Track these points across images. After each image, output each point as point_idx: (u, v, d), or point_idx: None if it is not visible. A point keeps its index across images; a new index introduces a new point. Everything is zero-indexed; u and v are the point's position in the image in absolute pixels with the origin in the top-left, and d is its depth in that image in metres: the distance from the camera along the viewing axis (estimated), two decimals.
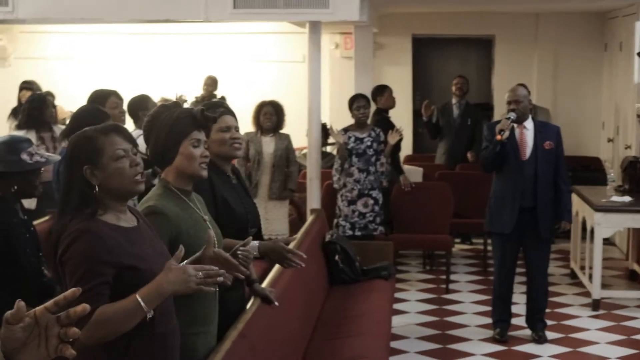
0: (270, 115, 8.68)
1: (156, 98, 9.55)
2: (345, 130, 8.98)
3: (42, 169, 4.81)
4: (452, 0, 11.77)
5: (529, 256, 7.65)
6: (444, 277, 9.55)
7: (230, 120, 4.55)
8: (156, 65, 14.06)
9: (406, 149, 12.98)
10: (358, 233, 8.82)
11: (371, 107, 9.43)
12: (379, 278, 7.64)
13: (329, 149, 11.65)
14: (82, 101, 7.33)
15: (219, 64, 13.87)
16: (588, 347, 7.51)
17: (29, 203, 7.79)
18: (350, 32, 12.23)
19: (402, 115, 12.51)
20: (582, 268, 9.33)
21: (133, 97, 7.67)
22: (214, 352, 3.89)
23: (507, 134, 7.26)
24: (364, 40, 11.77)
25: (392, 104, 10.46)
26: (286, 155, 8.73)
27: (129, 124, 7.32)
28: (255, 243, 4.37)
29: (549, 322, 7.88)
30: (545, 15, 13.31)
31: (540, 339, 7.58)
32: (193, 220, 3.79)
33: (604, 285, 8.81)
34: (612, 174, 9.39)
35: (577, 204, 9.44)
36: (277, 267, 5.84)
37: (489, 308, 7.99)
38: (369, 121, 9.29)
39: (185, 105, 8.47)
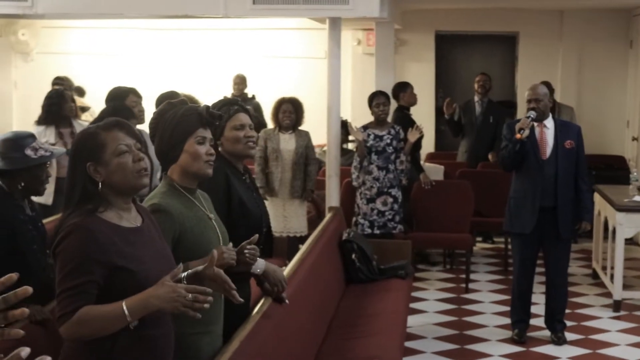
0: (289, 113, 8.61)
1: None
2: (365, 127, 8.92)
3: (48, 163, 4.78)
4: None
5: (549, 256, 7.56)
6: (464, 276, 9.45)
7: (244, 118, 4.50)
8: (177, 61, 14.05)
9: (428, 146, 12.92)
10: (377, 231, 8.75)
11: (391, 104, 9.34)
12: (396, 277, 7.57)
13: (350, 146, 11.59)
14: (103, 96, 7.33)
15: (242, 61, 13.83)
16: (608, 349, 7.39)
17: (45, 199, 7.82)
18: (372, 28, 12.15)
19: (424, 113, 12.45)
20: (604, 268, 9.22)
21: (162, 92, 7.63)
22: (221, 352, 3.84)
23: (527, 132, 7.16)
24: (385, 37, 11.68)
25: (413, 101, 10.36)
26: (306, 153, 8.67)
27: None
28: (262, 262, 4.31)
29: (569, 323, 7.78)
30: (569, 12, 13.19)
31: (559, 340, 7.48)
32: (197, 218, 3.74)
33: (626, 286, 8.68)
34: (635, 174, 9.27)
35: (599, 204, 9.33)
36: (290, 265, 5.82)
37: (508, 308, 7.89)
38: (389, 118, 9.22)
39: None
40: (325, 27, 8.82)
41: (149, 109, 6.97)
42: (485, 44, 13.97)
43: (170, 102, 3.84)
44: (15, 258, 4.49)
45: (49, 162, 4.80)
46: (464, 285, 9.31)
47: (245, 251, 3.81)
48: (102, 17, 10.15)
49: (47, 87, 9.85)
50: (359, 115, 11.51)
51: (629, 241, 8.72)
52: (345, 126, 9.88)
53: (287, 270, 5.55)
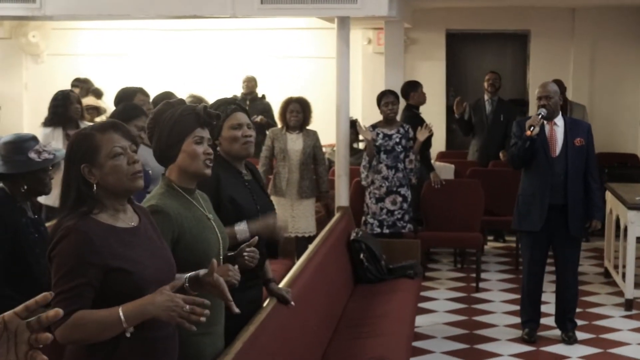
0: (296, 113, 8.58)
1: (184, 94, 9.51)
2: (374, 126, 8.88)
3: (51, 167, 4.75)
4: None
5: (559, 255, 7.50)
6: (474, 275, 9.40)
7: (242, 117, 4.47)
8: (186, 61, 14.04)
9: (439, 145, 12.88)
10: (386, 231, 8.71)
11: (400, 103, 9.30)
12: (405, 277, 7.54)
13: (360, 145, 11.55)
14: (113, 97, 7.35)
15: (251, 61, 13.82)
16: (619, 348, 7.33)
17: (53, 201, 7.81)
18: (382, 27, 12.11)
19: (435, 112, 12.40)
20: (616, 267, 9.15)
21: (158, 93, 7.63)
22: (223, 353, 3.82)
23: (537, 130, 7.12)
24: (395, 36, 11.64)
25: (423, 101, 10.31)
26: (314, 153, 8.63)
27: None
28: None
29: (580, 322, 7.72)
30: (581, 9, 13.12)
31: (569, 340, 7.43)
32: (196, 219, 3.71)
33: (638, 285, 8.60)
34: None
35: (610, 202, 9.27)
36: (297, 265, 5.79)
37: (519, 307, 7.82)
38: (398, 117, 9.19)
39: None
40: (334, 26, 8.79)
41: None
42: (496, 43, 13.91)
43: (167, 102, 3.81)
44: (17, 261, 4.47)
45: (51, 166, 4.77)
46: (474, 284, 9.26)
47: (245, 254, 3.78)
48: (111, 18, 10.15)
49: (58, 89, 9.86)
50: (369, 114, 11.47)
51: None
52: (354, 125, 9.85)
53: (291, 272, 5.53)
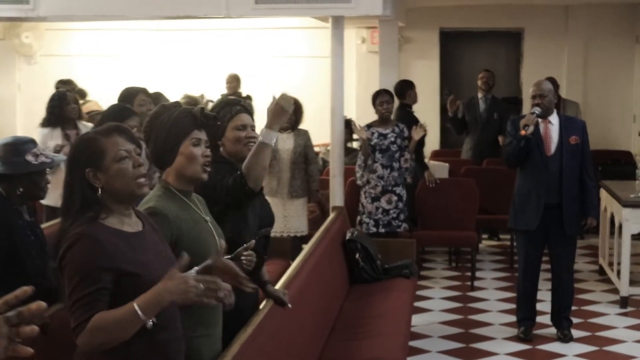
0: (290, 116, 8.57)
1: (180, 95, 9.51)
2: (369, 126, 8.89)
3: (48, 170, 4.76)
4: None
5: (554, 253, 7.51)
6: (469, 274, 9.41)
7: (246, 118, 4.48)
8: (180, 61, 14.03)
9: (433, 144, 12.89)
10: (382, 230, 8.72)
11: (394, 102, 9.30)
12: (401, 276, 7.53)
13: (354, 144, 11.55)
14: (107, 97, 7.34)
15: (246, 60, 13.82)
16: (615, 346, 7.35)
17: (55, 201, 7.83)
18: (376, 26, 12.10)
19: (429, 110, 12.42)
20: (611, 264, 9.17)
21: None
22: (221, 356, 3.82)
23: (531, 129, 7.12)
24: (389, 35, 11.63)
25: (416, 100, 10.34)
26: (305, 152, 8.62)
27: None
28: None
29: (576, 320, 7.74)
30: (575, 7, 13.14)
31: (565, 338, 7.43)
32: (194, 221, 3.71)
33: (633, 282, 8.62)
34: None
35: (605, 199, 9.29)
36: (293, 266, 5.79)
37: (514, 306, 7.83)
38: (392, 116, 9.19)
39: (210, 104, 8.45)
40: (329, 25, 8.79)
41: None
42: (490, 41, 13.94)
43: (163, 105, 3.81)
44: (13, 263, 4.47)
45: (49, 169, 4.78)
46: (469, 283, 9.27)
47: (242, 258, 3.78)
48: (104, 18, 10.14)
49: (51, 90, 9.84)
50: (363, 113, 11.46)
51: (636, 237, 8.64)
52: (348, 125, 9.84)
53: (287, 273, 5.53)
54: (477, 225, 9.84)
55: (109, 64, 13.96)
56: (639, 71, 12.46)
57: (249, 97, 12.28)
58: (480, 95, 11.37)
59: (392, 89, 9.70)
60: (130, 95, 7.15)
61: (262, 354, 4.28)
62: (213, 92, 11.90)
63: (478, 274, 9.56)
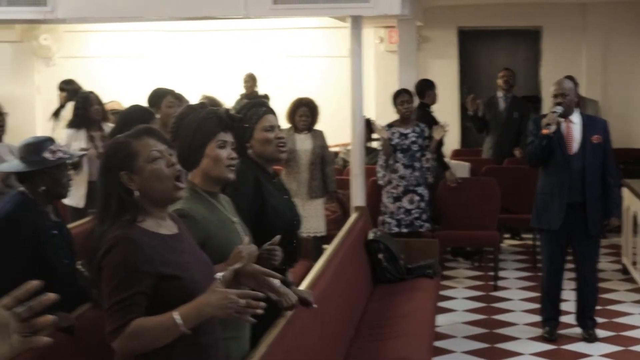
0: (305, 117, 8.58)
1: (198, 95, 9.49)
2: (389, 125, 8.86)
3: (70, 167, 4.77)
4: None
5: (578, 253, 7.46)
6: (492, 273, 9.35)
7: (273, 119, 4.48)
8: (199, 62, 14.03)
9: (454, 143, 12.85)
10: (404, 230, 8.69)
11: (414, 101, 9.27)
12: (424, 276, 7.50)
13: (374, 144, 11.51)
14: (126, 99, 7.35)
15: (265, 61, 13.81)
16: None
17: (77, 202, 7.88)
18: (395, 25, 12.07)
19: (448, 110, 12.38)
20: (634, 263, 9.10)
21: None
22: (248, 357, 3.79)
23: (553, 127, 7.07)
24: (408, 34, 11.61)
25: (435, 100, 10.32)
26: (322, 153, 8.61)
27: None
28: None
29: (600, 320, 7.68)
30: (593, 4, 13.08)
31: (590, 338, 7.38)
32: (221, 222, 3.70)
33: None
34: None
35: (628, 198, 9.23)
36: (317, 267, 5.75)
37: (538, 305, 7.80)
38: (412, 116, 9.16)
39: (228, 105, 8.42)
40: (347, 25, 8.76)
41: None
42: (508, 39, 13.90)
43: (190, 106, 3.80)
44: (41, 265, 4.45)
45: (72, 168, 4.79)
46: (492, 283, 9.22)
47: (266, 249, 3.74)
48: (123, 20, 10.12)
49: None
50: (382, 113, 11.43)
51: None
52: (368, 124, 9.81)
53: (311, 274, 5.50)
54: (498, 225, 9.78)
55: (127, 65, 13.98)
56: None
57: (266, 97, 12.29)
58: (500, 94, 11.32)
59: (412, 89, 9.66)
60: (158, 97, 7.19)
61: (288, 355, 4.26)
62: (231, 92, 11.89)
63: (501, 273, 9.51)
